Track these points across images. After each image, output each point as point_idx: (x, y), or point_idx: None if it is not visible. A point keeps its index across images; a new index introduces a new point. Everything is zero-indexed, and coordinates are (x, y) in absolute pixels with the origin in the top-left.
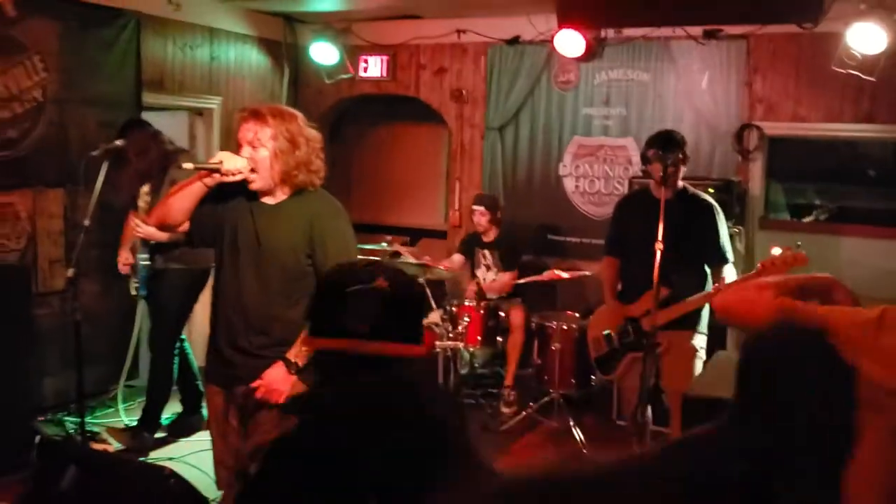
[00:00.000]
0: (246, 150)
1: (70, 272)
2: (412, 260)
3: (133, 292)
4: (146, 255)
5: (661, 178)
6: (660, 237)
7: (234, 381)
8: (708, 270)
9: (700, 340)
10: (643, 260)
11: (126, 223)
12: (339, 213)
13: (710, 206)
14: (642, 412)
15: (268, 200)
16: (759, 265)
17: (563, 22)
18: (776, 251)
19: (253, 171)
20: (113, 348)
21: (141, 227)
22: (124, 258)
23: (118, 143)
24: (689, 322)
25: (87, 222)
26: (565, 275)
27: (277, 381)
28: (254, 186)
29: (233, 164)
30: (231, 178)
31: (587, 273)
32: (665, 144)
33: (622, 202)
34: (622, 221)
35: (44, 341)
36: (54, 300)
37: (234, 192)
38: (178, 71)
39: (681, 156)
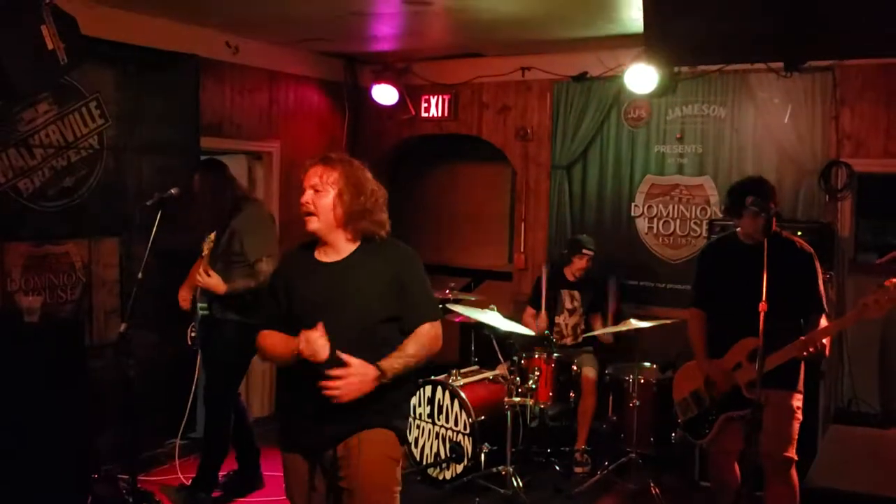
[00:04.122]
0: (308, 194)
1: (122, 327)
2: (502, 325)
3: (189, 342)
4: (205, 304)
5: (764, 229)
6: (764, 296)
7: (320, 447)
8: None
9: (798, 401)
10: (733, 313)
11: (194, 266)
12: (417, 259)
13: (807, 253)
14: (749, 487)
15: (331, 258)
16: (859, 304)
17: (652, 59)
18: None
19: (311, 213)
20: (170, 401)
21: (202, 278)
22: (184, 295)
23: (173, 191)
24: (788, 380)
25: (140, 276)
26: (643, 324)
27: (362, 382)
28: (311, 227)
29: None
30: None
31: (667, 321)
32: (762, 192)
33: (708, 249)
34: (709, 271)
35: (99, 394)
36: (110, 352)
37: (299, 259)
38: (237, 115)
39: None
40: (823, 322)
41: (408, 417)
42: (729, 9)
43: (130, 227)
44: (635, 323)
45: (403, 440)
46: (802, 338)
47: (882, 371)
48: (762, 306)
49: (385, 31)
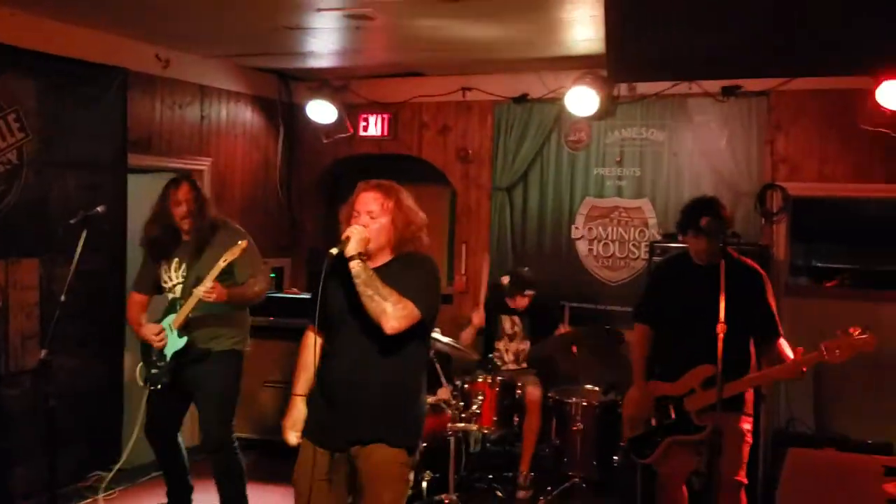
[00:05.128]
0: (364, 218)
1: (43, 353)
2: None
3: (141, 382)
4: (184, 336)
5: (715, 251)
6: (722, 316)
7: (335, 445)
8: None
9: (747, 423)
10: (686, 334)
11: (130, 303)
12: (428, 267)
13: (759, 274)
14: None
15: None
16: (822, 348)
17: (616, 77)
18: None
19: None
20: (94, 431)
21: (212, 289)
22: (152, 331)
23: (99, 209)
24: (734, 404)
25: (62, 298)
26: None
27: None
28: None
29: (358, 236)
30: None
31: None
32: (716, 213)
33: (661, 267)
34: (660, 290)
35: (15, 424)
36: (27, 379)
37: (332, 268)
38: (166, 130)
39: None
40: (784, 346)
41: (422, 430)
42: (689, 27)
43: (52, 247)
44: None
45: (416, 449)
46: (763, 371)
47: (817, 393)
48: (720, 328)
49: (323, 48)
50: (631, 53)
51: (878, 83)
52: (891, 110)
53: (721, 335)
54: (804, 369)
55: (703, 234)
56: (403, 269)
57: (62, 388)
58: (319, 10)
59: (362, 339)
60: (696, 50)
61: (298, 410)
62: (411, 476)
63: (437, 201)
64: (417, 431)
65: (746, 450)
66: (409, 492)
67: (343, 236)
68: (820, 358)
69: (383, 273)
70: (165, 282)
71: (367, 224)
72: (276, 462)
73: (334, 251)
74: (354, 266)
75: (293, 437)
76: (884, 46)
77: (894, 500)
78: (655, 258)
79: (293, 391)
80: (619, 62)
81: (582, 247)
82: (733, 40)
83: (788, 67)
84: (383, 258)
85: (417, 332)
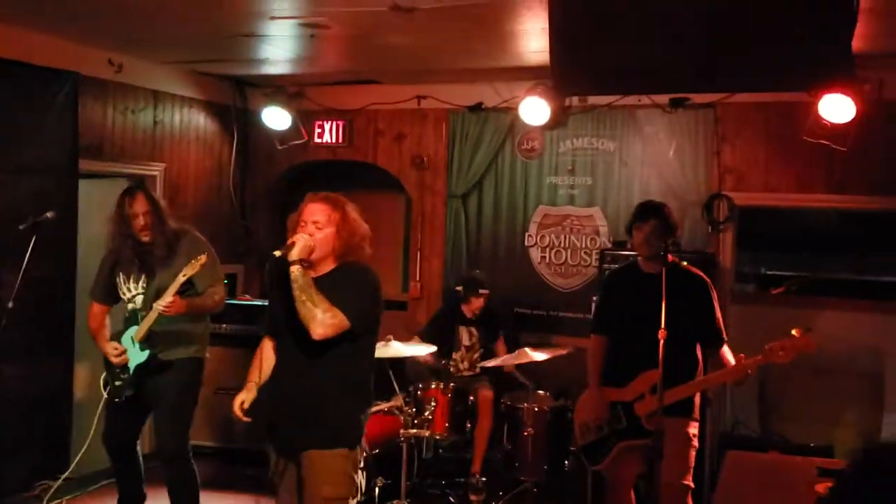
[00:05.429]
0: (310, 227)
1: None
2: (407, 352)
3: (105, 394)
4: (146, 349)
5: (662, 258)
6: (663, 322)
7: (293, 450)
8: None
9: (694, 428)
10: (634, 341)
11: (90, 314)
12: (366, 277)
13: (704, 282)
14: None
15: (313, 275)
16: (765, 349)
17: (562, 90)
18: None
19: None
20: (38, 440)
21: (171, 303)
22: (113, 348)
23: (48, 214)
24: (683, 409)
25: (10, 304)
26: (539, 357)
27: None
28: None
29: (302, 243)
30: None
31: (561, 351)
32: (662, 218)
33: (611, 278)
34: (611, 298)
35: None
36: None
37: (277, 277)
38: (118, 136)
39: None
40: (727, 352)
41: (362, 428)
42: (632, 43)
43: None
44: (531, 353)
45: (357, 444)
46: (709, 374)
47: (761, 397)
48: (661, 333)
49: (278, 55)
50: (574, 68)
51: (818, 97)
52: (831, 123)
53: (662, 341)
54: (750, 371)
55: (645, 233)
56: (343, 279)
57: (10, 396)
58: (273, 18)
59: (299, 345)
60: (634, 66)
61: (248, 390)
62: (359, 475)
63: (393, 208)
64: (355, 431)
65: (692, 454)
66: (362, 498)
67: (289, 242)
68: (764, 359)
69: (324, 281)
70: (124, 293)
71: (313, 233)
72: (232, 469)
73: (277, 254)
74: (294, 270)
75: (239, 412)
76: (810, 67)
77: (823, 498)
78: (606, 265)
79: (247, 379)
80: (564, 76)
81: (535, 254)
82: (669, 57)
83: (720, 83)
84: (326, 267)
85: (349, 339)
